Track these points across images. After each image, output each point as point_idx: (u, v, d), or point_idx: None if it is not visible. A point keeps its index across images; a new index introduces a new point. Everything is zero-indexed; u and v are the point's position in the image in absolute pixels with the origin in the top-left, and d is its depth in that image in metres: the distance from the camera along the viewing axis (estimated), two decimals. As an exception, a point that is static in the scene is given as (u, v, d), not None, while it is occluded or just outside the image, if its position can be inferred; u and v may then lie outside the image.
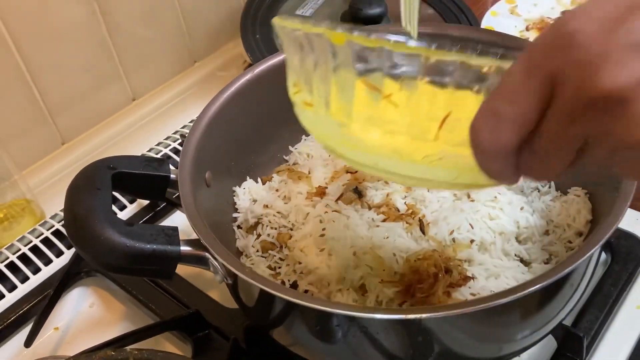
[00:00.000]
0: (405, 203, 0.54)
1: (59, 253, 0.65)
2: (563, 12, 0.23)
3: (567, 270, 0.39)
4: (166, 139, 0.78)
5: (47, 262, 0.64)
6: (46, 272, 0.63)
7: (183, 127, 0.80)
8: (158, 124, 0.85)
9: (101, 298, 0.63)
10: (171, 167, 0.51)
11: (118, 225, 0.41)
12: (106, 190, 0.44)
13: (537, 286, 0.37)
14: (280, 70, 0.60)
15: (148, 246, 0.41)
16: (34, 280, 0.63)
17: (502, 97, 0.27)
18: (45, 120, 0.78)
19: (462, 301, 0.42)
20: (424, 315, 0.36)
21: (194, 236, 0.44)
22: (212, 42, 0.94)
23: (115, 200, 0.68)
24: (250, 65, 0.84)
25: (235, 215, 0.57)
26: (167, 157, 0.74)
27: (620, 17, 0.25)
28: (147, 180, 0.49)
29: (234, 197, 0.58)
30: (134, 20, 0.83)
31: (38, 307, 0.59)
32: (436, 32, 0.60)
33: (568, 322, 0.52)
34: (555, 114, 0.26)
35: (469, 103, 0.29)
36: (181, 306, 0.58)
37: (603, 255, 0.58)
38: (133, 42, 0.83)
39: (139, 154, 0.75)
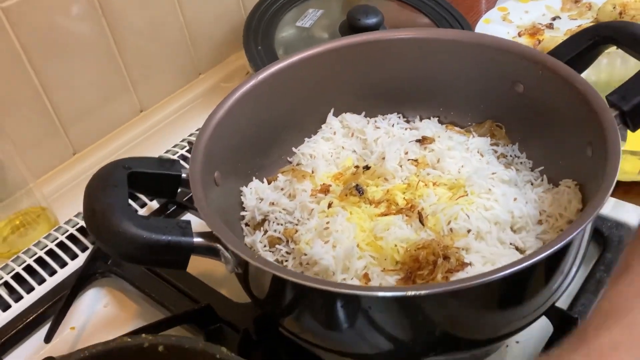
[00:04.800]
0: (404, 198, 0.57)
1: (73, 256, 0.68)
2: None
3: (561, 244, 0.41)
4: (174, 146, 0.81)
5: (63, 264, 0.67)
6: (62, 274, 0.66)
7: (190, 135, 0.83)
8: (164, 134, 0.88)
9: (115, 298, 0.66)
10: (182, 167, 0.53)
11: (135, 219, 0.44)
12: (122, 187, 0.47)
13: (530, 261, 0.40)
14: (281, 77, 0.64)
15: (163, 237, 0.44)
16: (50, 282, 0.65)
17: None
18: (58, 132, 0.81)
19: (459, 279, 0.44)
20: (422, 292, 0.39)
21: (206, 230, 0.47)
22: (215, 54, 0.98)
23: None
24: (253, 75, 0.88)
25: (242, 213, 0.60)
26: (175, 163, 0.77)
27: None
28: (160, 180, 0.52)
29: (241, 197, 0.61)
30: (141, 35, 0.86)
31: (55, 308, 0.62)
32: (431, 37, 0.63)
33: (564, 306, 0.55)
34: None
35: None
36: (193, 302, 0.60)
37: (596, 245, 0.61)
38: (140, 56, 0.87)
39: (149, 161, 0.79)
